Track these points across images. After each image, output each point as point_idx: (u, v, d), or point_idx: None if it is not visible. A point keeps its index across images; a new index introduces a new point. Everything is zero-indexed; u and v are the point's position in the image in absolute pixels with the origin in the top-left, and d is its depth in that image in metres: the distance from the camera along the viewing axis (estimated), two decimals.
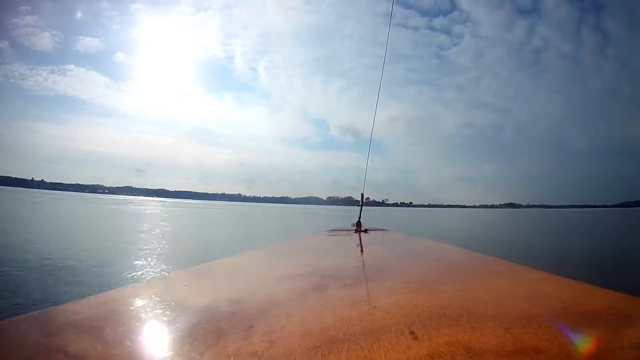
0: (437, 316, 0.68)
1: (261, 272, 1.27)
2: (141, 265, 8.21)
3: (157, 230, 17.10)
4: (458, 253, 1.82)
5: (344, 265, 1.47)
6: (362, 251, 1.95)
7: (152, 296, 0.91)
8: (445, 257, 1.74)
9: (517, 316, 0.67)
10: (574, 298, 0.81)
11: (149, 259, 9.00)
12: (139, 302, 0.85)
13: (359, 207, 3.10)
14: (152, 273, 7.46)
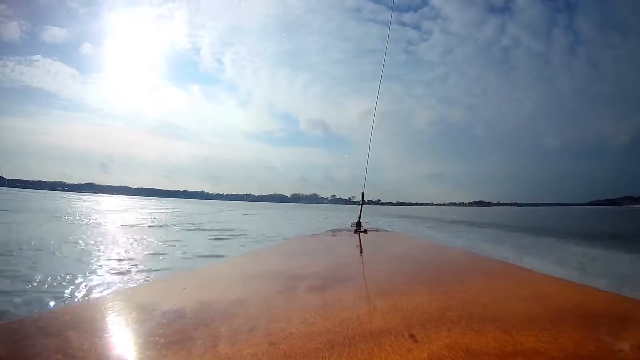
0: (437, 318, 0.68)
1: (261, 273, 1.27)
2: None
3: None
4: (458, 254, 1.86)
5: (344, 266, 1.48)
6: (361, 252, 1.93)
7: (152, 298, 0.91)
8: (444, 259, 1.74)
9: (516, 318, 0.67)
10: (573, 300, 0.81)
11: None
12: (139, 304, 0.85)
13: (359, 206, 2.98)
14: None
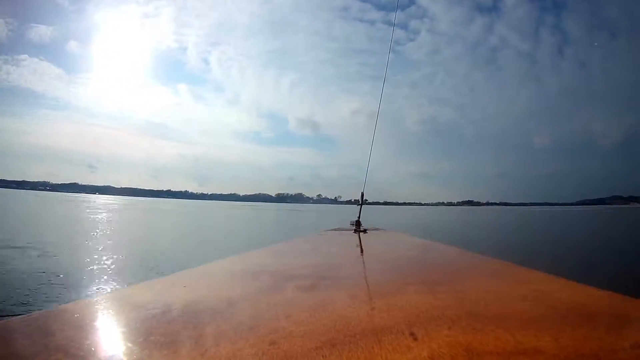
0: (437, 317, 0.67)
1: (261, 272, 1.26)
2: None
3: None
4: (458, 254, 1.82)
5: (343, 265, 1.48)
6: (361, 251, 1.94)
7: (153, 296, 0.90)
8: (445, 258, 1.75)
9: (517, 317, 0.67)
10: (574, 299, 0.80)
11: None
12: (139, 303, 0.85)
13: (359, 206, 3.06)
14: None
